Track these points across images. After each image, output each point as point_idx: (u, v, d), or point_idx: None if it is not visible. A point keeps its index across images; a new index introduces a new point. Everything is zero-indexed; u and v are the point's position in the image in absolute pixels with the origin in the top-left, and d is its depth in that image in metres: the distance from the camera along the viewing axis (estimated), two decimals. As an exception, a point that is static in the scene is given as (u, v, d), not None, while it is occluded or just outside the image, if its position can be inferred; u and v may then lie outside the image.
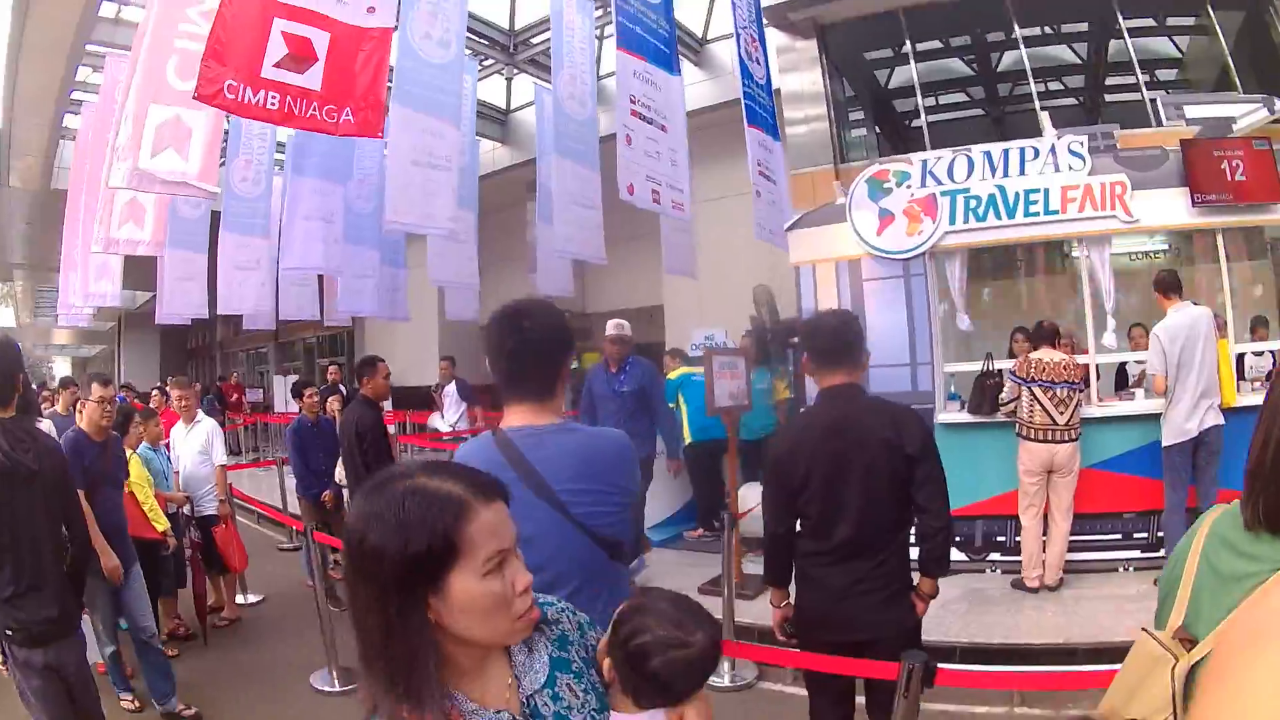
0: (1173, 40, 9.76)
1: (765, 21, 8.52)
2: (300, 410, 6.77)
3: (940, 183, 6.00)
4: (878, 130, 10.64)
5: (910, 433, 2.64)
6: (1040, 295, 7.82)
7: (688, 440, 7.00)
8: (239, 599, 6.32)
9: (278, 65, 4.53)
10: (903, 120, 10.36)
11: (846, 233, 6.13)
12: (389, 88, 5.72)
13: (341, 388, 10.00)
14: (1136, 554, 5.59)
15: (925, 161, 6.08)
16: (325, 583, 4.97)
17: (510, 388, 1.85)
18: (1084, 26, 9.74)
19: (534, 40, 11.66)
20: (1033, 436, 5.31)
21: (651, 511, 6.88)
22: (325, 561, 5.40)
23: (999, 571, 5.70)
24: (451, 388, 11.23)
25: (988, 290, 8.28)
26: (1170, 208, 5.98)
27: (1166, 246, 7.77)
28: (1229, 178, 5.97)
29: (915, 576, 2.71)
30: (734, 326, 10.17)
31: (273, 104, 4.54)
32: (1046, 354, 5.41)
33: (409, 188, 6.01)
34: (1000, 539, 5.79)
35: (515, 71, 12.93)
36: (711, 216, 9.93)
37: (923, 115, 9.61)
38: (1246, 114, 6.31)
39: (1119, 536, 5.65)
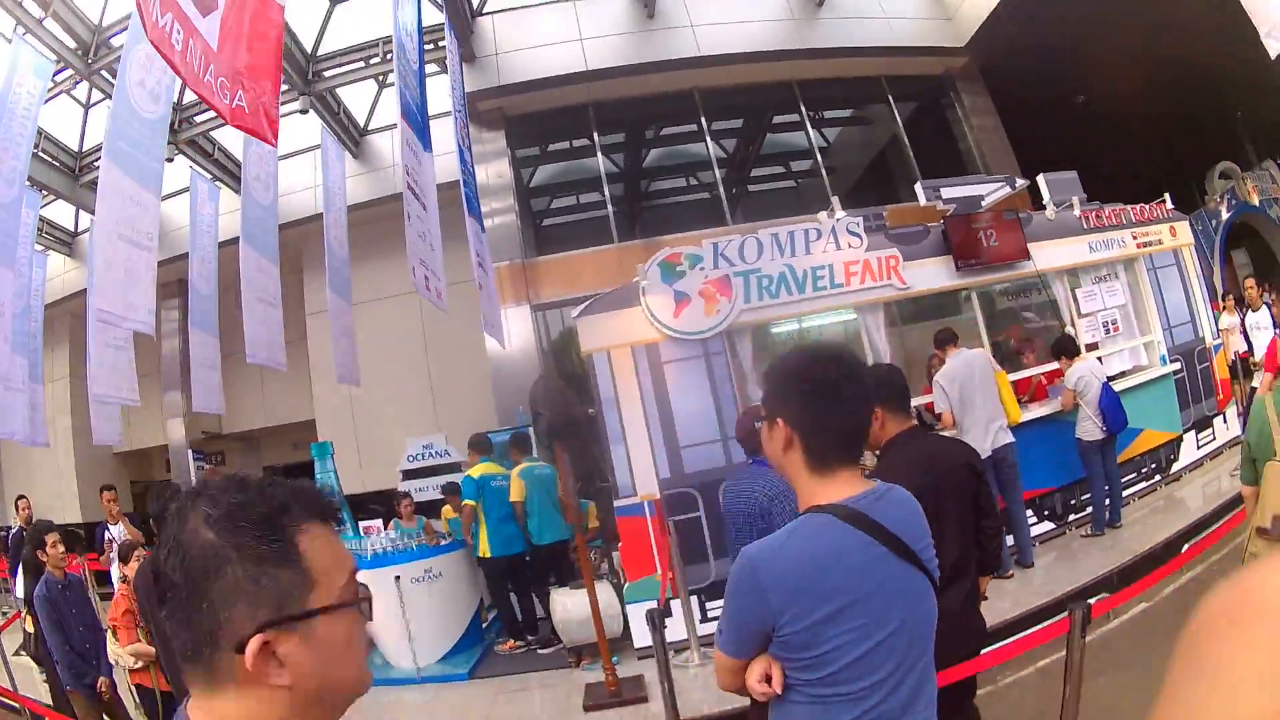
0: (820, 132, 10.72)
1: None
2: (44, 567, 4.92)
3: (732, 264, 6.02)
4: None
5: (974, 454, 2.94)
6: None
7: (486, 554, 6.49)
8: None
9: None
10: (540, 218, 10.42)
11: (639, 316, 5.90)
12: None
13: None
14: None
15: (716, 244, 6.08)
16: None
17: (839, 449, 1.50)
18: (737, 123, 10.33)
19: (197, 119, 10.89)
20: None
21: (442, 637, 6.46)
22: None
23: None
24: (121, 528, 8.15)
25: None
26: (936, 274, 6.67)
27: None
28: (984, 244, 6.81)
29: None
30: (416, 429, 9.46)
31: (177, 41, 3.69)
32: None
33: (113, 267, 5.05)
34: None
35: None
36: (373, 318, 9.37)
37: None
38: (993, 191, 7.04)
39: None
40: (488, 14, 9.01)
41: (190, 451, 10.28)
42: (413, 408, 9.92)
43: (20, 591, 6.35)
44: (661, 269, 5.95)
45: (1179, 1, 8.37)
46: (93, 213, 10.41)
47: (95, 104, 11.03)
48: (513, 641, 6.67)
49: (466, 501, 6.49)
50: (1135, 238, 7.87)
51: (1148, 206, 8.08)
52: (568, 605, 5.99)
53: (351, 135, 11.27)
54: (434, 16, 8.97)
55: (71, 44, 9.07)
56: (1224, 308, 9.46)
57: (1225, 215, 11.01)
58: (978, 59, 8.90)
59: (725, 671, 1.50)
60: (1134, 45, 9.28)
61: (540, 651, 6.45)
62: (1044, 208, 7.48)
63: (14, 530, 7.34)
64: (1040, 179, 7.47)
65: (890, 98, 9.16)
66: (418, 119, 6.23)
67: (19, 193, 6.90)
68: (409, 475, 8.55)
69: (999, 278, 7.09)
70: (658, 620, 4.29)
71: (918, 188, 6.67)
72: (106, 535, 7.97)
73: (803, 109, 9.12)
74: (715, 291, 6.01)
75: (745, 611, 1.42)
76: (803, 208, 9.06)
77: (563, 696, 5.36)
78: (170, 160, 11.85)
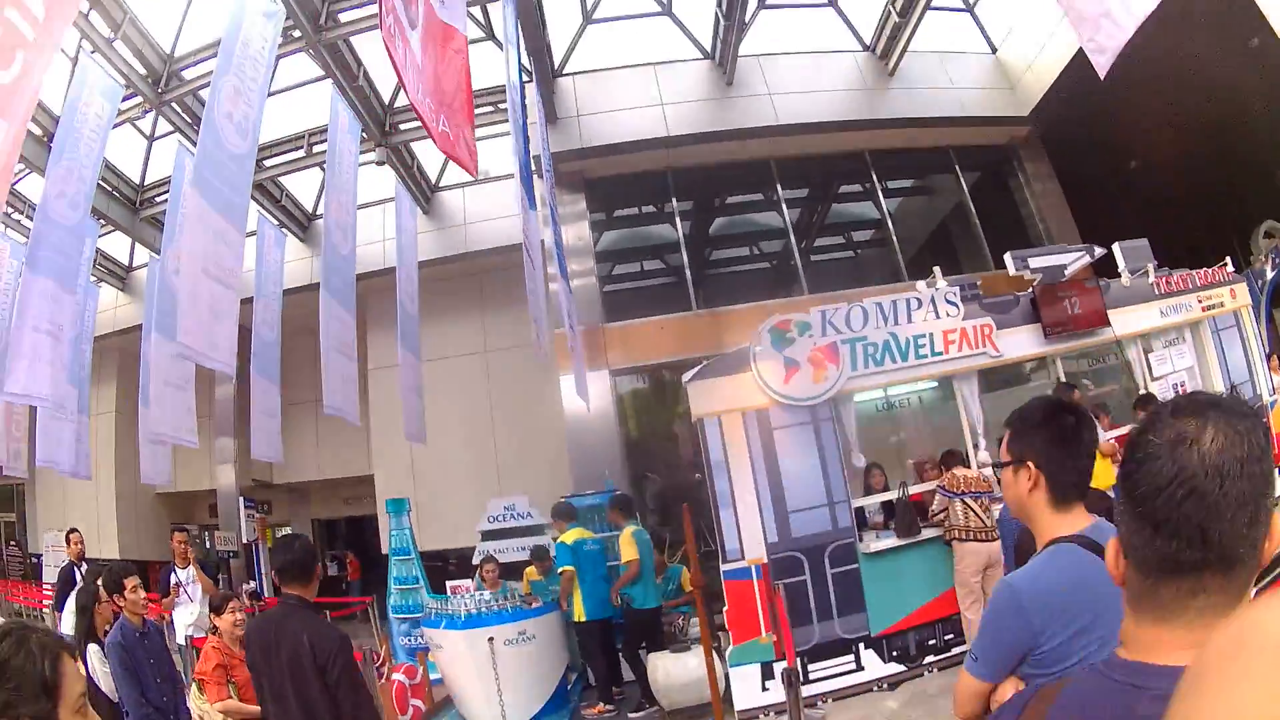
0: (879, 203, 10.69)
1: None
2: (120, 611, 4.48)
3: (839, 331, 6.11)
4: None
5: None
6: (919, 425, 8.10)
7: (581, 617, 6.45)
8: None
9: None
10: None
11: (748, 382, 5.98)
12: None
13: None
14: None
15: (824, 312, 6.18)
16: None
17: (1077, 487, 1.67)
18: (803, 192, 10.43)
19: (266, 163, 10.86)
20: (970, 538, 5.80)
21: (532, 700, 6.35)
22: None
23: (935, 670, 6.00)
24: (191, 572, 7.63)
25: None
26: (1025, 341, 6.89)
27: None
28: (1069, 311, 7.00)
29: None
30: (481, 489, 9.42)
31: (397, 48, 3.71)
32: (961, 471, 6.05)
33: (197, 303, 5.11)
34: (931, 642, 6.12)
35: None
36: (434, 376, 9.35)
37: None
38: (1074, 261, 7.19)
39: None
40: (567, 75, 9.18)
41: (241, 498, 10.16)
42: (476, 468, 9.89)
43: (67, 629, 6.03)
44: (772, 335, 6.03)
45: (1223, 64, 8.69)
46: (152, 249, 10.48)
47: (161, 137, 11.00)
48: (601, 705, 6.58)
49: (565, 567, 6.45)
50: (1200, 301, 8.07)
51: (1210, 270, 8.28)
52: (669, 669, 5.95)
53: (423, 191, 11.31)
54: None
55: (141, 70, 9.02)
56: (1273, 367, 9.59)
57: (1270, 274, 11.21)
58: (1039, 127, 9.16)
59: (972, 697, 1.65)
60: (1181, 109, 9.58)
61: (631, 715, 6.37)
62: (1116, 274, 7.66)
63: (65, 564, 7.11)
64: (1115, 247, 7.65)
65: (957, 166, 9.38)
66: (526, 176, 6.34)
67: (82, 217, 6.72)
68: (489, 536, 8.46)
69: (1082, 344, 7.26)
70: (793, 679, 4.32)
71: (1008, 258, 6.83)
72: (173, 579, 7.47)
73: (874, 177, 9.30)
74: (824, 358, 6.09)
75: (1006, 632, 1.59)
76: (863, 278, 9.22)
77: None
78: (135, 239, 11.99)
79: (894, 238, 9.30)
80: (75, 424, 8.50)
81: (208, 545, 12.66)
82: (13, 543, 15.27)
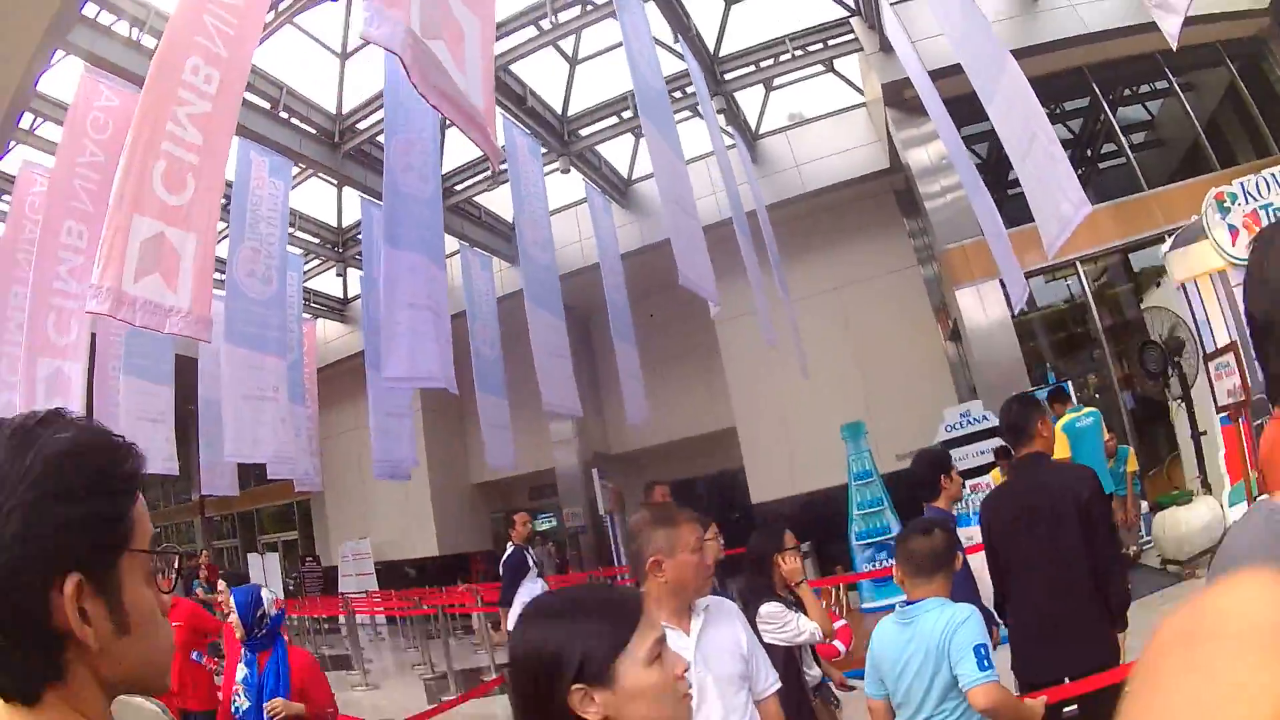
0: (1144, 106, 11.42)
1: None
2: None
3: (1254, 199, 6.93)
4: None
5: None
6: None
7: None
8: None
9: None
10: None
11: (1207, 249, 6.84)
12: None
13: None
14: None
15: (1241, 183, 7.03)
16: None
17: None
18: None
19: (457, 188, 11.57)
20: None
21: None
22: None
23: None
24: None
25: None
26: None
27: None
28: None
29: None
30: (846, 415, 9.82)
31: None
32: None
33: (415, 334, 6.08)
34: None
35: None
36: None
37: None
38: None
39: None
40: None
41: (595, 470, 10.97)
42: (842, 402, 10.33)
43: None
44: (1216, 205, 6.92)
45: None
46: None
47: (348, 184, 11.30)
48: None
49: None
50: None
51: None
52: (1178, 520, 6.64)
53: (616, 187, 11.88)
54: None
55: (312, 130, 9.81)
56: None
57: None
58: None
59: None
60: None
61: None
62: None
63: (511, 550, 7.25)
64: None
65: (1228, 60, 10.08)
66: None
67: (278, 289, 7.56)
68: (951, 445, 8.40)
69: None
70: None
71: None
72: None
73: (1170, 76, 9.86)
74: (1252, 222, 6.97)
75: None
76: (1133, 185, 9.81)
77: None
78: (341, 275, 13.04)
79: (1165, 139, 10.02)
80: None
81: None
82: (309, 559, 16.07)
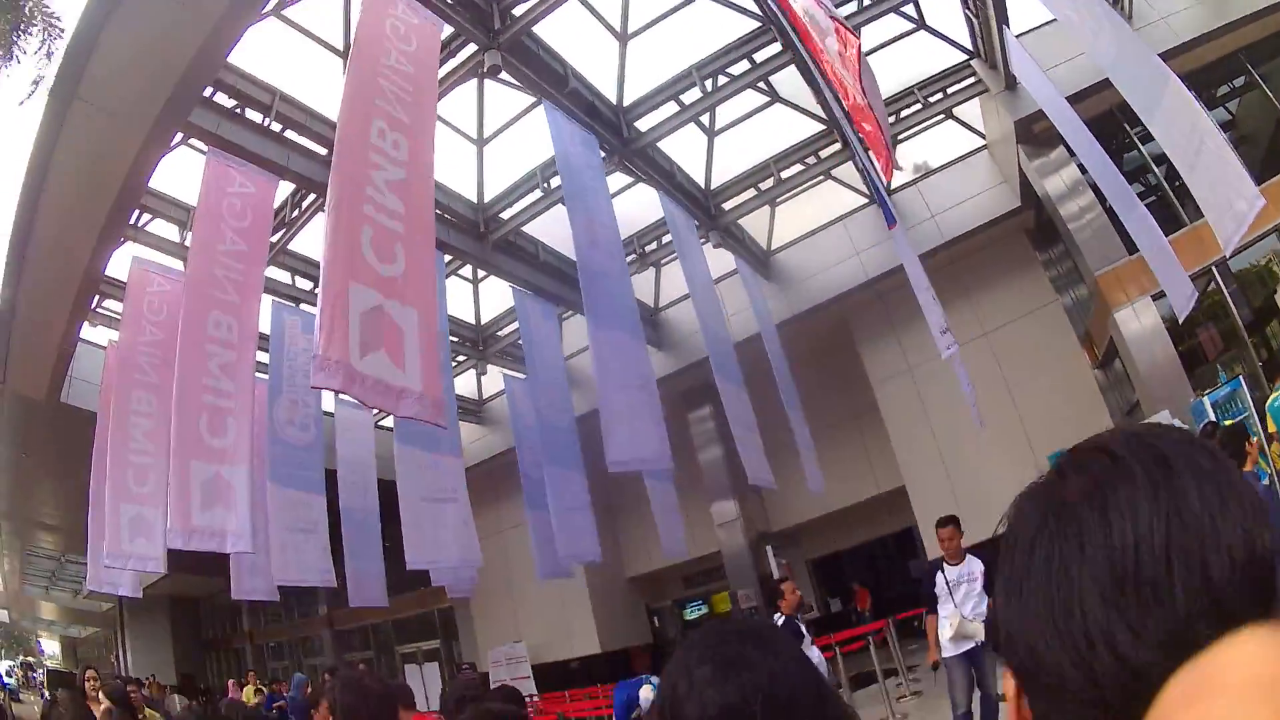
0: (1225, 108, 11.29)
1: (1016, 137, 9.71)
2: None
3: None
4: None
5: None
6: None
7: None
8: None
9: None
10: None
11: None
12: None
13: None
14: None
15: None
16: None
17: None
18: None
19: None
20: None
21: None
22: None
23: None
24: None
25: None
26: None
27: None
28: None
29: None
30: (1018, 461, 9.82)
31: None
32: None
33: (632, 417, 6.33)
34: None
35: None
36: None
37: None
38: None
39: None
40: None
41: (769, 547, 11.14)
42: (1006, 443, 10.34)
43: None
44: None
45: None
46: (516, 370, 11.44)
47: (484, 279, 11.59)
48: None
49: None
50: None
51: None
52: None
53: (757, 258, 11.65)
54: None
55: (453, 220, 9.49)
56: None
57: None
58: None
59: None
60: None
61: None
62: None
63: (782, 621, 7.42)
64: None
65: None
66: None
67: (316, 437, 8.38)
68: None
69: None
70: None
71: None
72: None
73: (1250, 68, 9.88)
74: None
75: None
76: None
77: None
78: (483, 374, 13.01)
79: (1246, 135, 10.09)
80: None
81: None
82: (465, 666, 15.84)
